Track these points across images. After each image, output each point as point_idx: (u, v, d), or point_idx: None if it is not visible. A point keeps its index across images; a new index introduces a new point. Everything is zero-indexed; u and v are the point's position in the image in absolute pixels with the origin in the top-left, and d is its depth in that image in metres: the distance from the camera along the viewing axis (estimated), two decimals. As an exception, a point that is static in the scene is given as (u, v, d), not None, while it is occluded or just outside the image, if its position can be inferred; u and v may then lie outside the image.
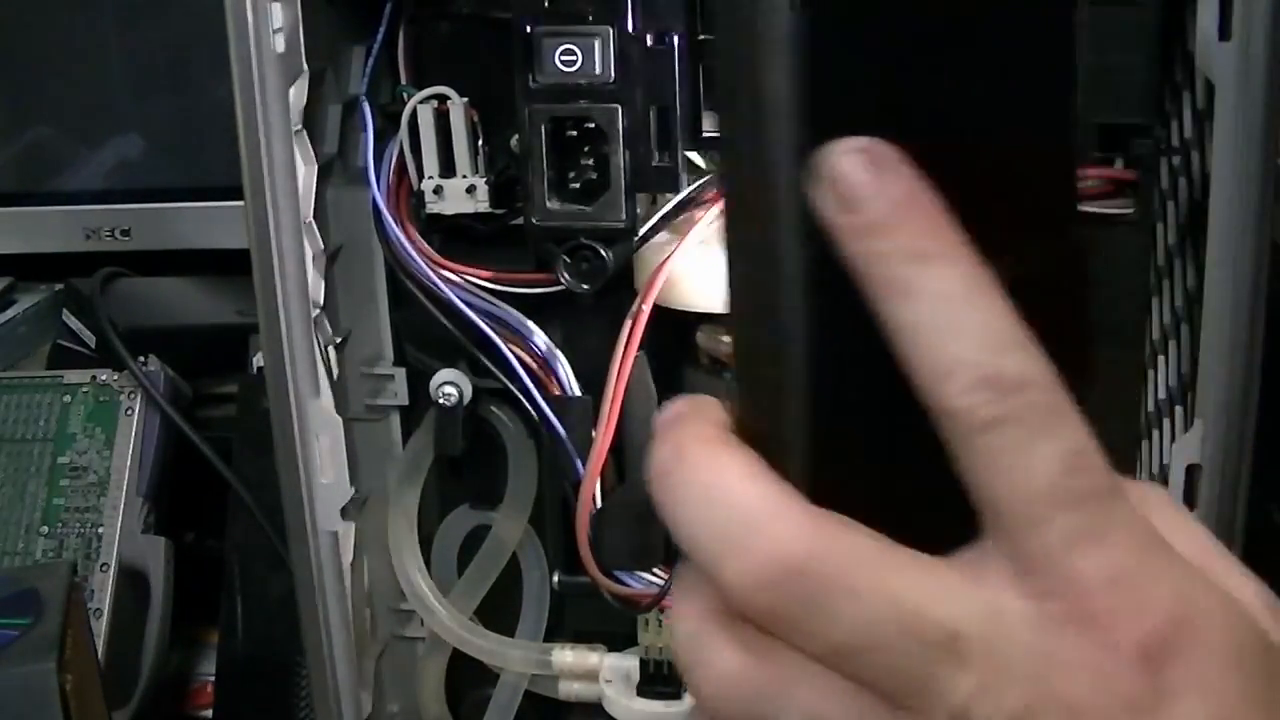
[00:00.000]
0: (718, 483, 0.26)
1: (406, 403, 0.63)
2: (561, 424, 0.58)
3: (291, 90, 0.53)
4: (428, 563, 0.63)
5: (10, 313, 0.90)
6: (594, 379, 0.57)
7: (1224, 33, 0.45)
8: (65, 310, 0.88)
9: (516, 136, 0.55)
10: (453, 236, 0.59)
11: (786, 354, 0.26)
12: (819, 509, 0.26)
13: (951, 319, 0.25)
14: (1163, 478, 0.51)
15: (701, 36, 0.53)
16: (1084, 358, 0.27)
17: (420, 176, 0.57)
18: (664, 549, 0.57)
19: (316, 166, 0.56)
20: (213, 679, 0.76)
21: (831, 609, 0.25)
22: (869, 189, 0.25)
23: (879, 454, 0.26)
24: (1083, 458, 0.25)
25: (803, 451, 0.26)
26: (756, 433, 0.27)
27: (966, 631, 0.25)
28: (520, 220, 0.56)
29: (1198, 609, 0.26)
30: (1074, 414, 0.25)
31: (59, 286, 0.91)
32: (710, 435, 0.27)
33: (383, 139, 0.58)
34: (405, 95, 0.57)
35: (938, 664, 0.25)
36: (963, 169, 0.25)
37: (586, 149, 0.55)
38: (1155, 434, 0.53)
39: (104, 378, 0.79)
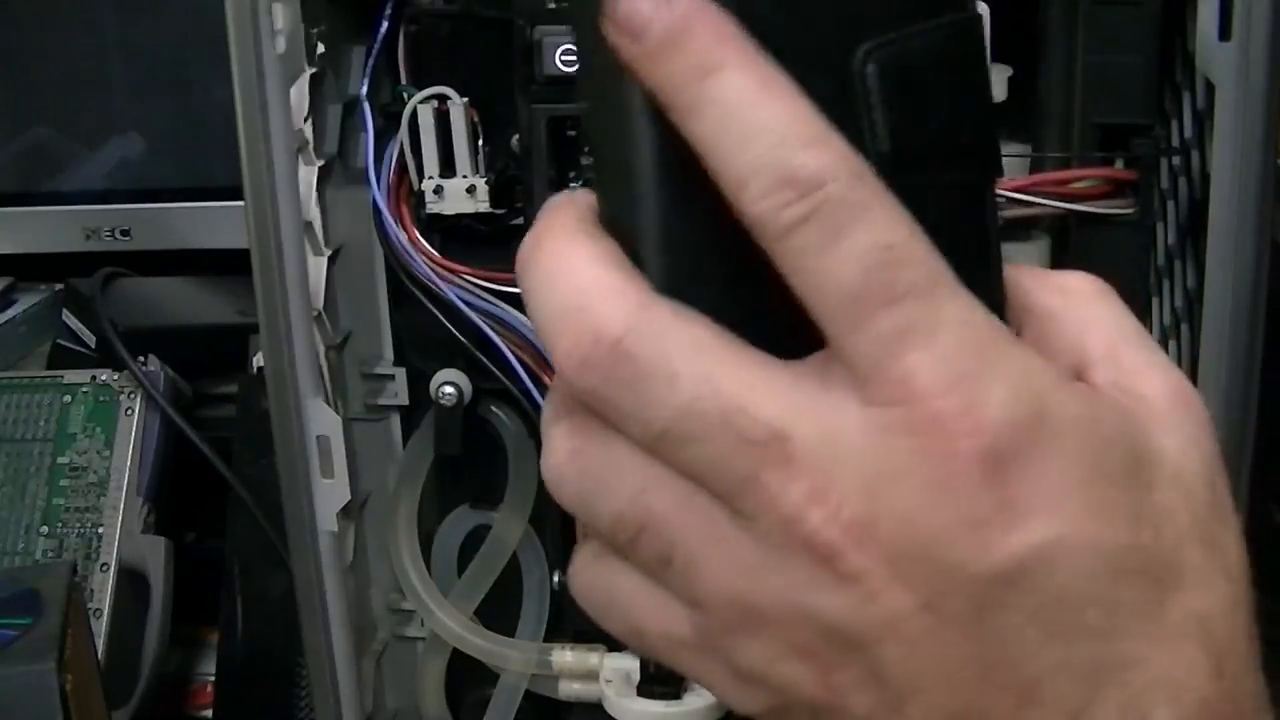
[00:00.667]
0: (560, 267, 0.26)
1: (406, 403, 0.63)
2: (561, 424, 0.58)
3: (292, 90, 0.53)
4: (428, 563, 0.63)
5: (10, 313, 0.90)
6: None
7: (1224, 33, 0.45)
8: (65, 310, 0.87)
9: (516, 136, 0.55)
10: (453, 236, 0.59)
11: (631, 148, 0.26)
12: (656, 295, 0.25)
13: (741, 125, 0.24)
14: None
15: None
16: (983, 140, 0.27)
17: (420, 176, 0.57)
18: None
19: (316, 166, 0.56)
20: (213, 679, 0.75)
21: (650, 393, 0.24)
22: (649, 18, 0.24)
23: (733, 253, 0.25)
24: (894, 251, 0.24)
25: (649, 240, 0.26)
26: (614, 222, 0.27)
27: (795, 434, 0.24)
28: (520, 220, 0.56)
29: (1048, 410, 0.24)
30: (885, 206, 0.24)
31: (59, 286, 0.91)
32: (567, 223, 0.27)
33: (383, 139, 0.58)
34: (405, 95, 0.57)
35: (764, 465, 0.24)
36: None
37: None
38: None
39: (104, 378, 0.79)
